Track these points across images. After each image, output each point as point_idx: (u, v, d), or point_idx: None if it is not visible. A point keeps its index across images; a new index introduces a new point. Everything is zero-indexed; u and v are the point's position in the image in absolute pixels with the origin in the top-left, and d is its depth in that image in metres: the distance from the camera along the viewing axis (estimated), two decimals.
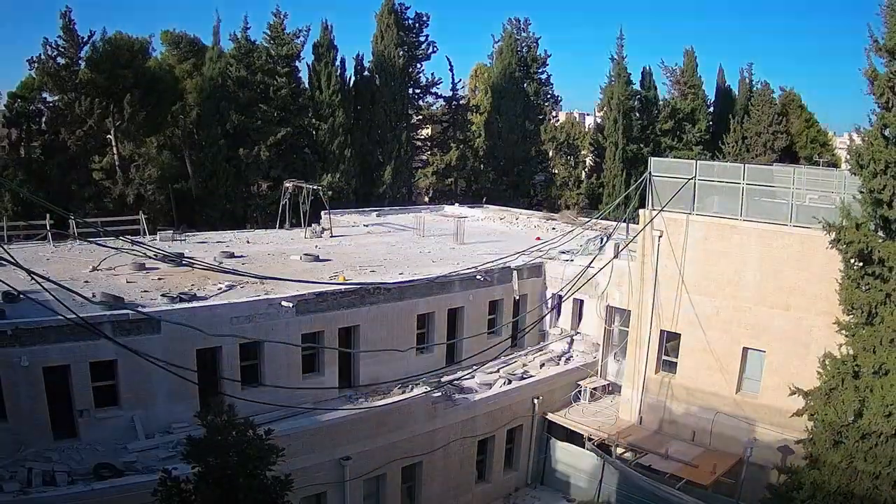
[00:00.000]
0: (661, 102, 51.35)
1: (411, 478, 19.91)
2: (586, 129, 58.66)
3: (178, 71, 37.87)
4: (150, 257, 18.75)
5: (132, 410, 16.08)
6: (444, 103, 48.16)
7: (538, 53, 48.18)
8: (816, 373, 16.30)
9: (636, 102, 49.34)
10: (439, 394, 19.53)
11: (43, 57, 31.86)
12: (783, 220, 19.24)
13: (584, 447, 21.66)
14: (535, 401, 22.43)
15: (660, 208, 21.43)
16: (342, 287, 19.70)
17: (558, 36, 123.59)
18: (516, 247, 25.22)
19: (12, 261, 11.69)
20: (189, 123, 36.37)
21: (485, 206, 40.48)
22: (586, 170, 52.16)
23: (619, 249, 23.22)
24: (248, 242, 26.86)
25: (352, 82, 42.39)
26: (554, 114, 53.59)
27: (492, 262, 23.87)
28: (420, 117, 48.21)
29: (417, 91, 46.03)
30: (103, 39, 33.57)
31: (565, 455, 22.70)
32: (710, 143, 50.48)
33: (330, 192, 36.01)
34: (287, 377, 18.03)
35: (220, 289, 18.78)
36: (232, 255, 23.19)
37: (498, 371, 22.59)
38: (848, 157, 17.19)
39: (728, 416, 19.95)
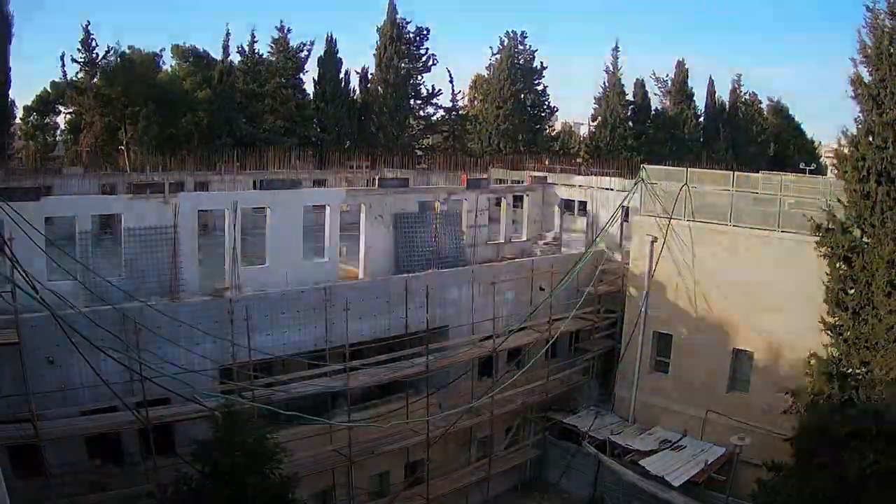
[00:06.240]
0: (653, 112, 52.29)
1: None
2: (581, 138, 59.44)
3: (188, 83, 38.56)
4: None
5: None
6: (444, 113, 49.08)
7: (535, 65, 49.06)
8: (804, 373, 16.88)
9: (629, 112, 50.24)
10: None
11: (61, 71, 32.77)
12: (771, 225, 19.91)
13: (581, 446, 22.15)
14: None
15: (655, 214, 22.10)
16: None
17: (554, 45, 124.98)
18: None
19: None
20: (199, 134, 37.12)
21: None
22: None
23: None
24: None
25: (356, 93, 43.38)
26: (550, 123, 54.39)
27: None
28: (421, 127, 49.19)
29: (418, 102, 47.04)
30: (116, 53, 34.42)
31: (563, 454, 23.19)
32: (701, 152, 51.34)
33: None
34: None
35: None
36: None
37: None
38: (834, 162, 17.87)
39: (719, 415, 20.53)
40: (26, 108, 33.97)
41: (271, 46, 41.22)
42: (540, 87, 49.58)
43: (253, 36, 39.75)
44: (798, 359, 17.66)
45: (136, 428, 15.25)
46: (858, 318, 16.13)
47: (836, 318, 16.58)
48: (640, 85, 51.50)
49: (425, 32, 45.80)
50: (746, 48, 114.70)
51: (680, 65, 53.08)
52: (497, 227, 27.81)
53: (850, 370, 16.10)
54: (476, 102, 54.33)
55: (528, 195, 28.59)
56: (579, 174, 29.06)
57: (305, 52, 41.36)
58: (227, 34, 37.80)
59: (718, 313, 20.93)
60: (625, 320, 23.59)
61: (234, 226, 19.09)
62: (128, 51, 35.37)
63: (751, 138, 54.43)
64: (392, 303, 19.47)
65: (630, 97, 50.45)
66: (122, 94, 33.14)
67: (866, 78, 16.39)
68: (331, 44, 41.73)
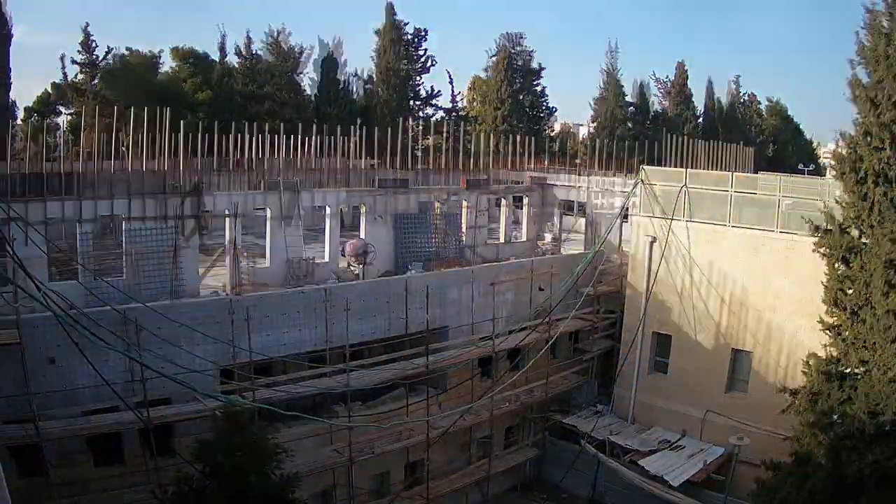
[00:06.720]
0: (652, 113, 52.58)
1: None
2: (580, 139, 59.70)
3: (188, 85, 38.65)
4: None
5: None
6: (444, 114, 49.29)
7: (533, 66, 49.34)
8: (801, 372, 16.92)
9: (628, 113, 50.52)
10: None
11: (61, 73, 33.00)
12: (769, 225, 19.98)
13: (580, 445, 22.20)
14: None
15: (654, 215, 22.17)
16: None
17: (552, 48, 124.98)
18: None
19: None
20: (199, 135, 37.27)
21: None
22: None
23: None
24: None
25: (356, 95, 43.65)
26: (549, 124, 54.65)
27: None
28: (421, 128, 49.37)
29: (418, 103, 47.27)
30: (114, 55, 34.68)
31: (562, 453, 23.23)
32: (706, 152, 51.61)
33: None
34: None
35: None
36: None
37: None
38: (833, 163, 17.92)
39: (718, 415, 20.59)
40: (27, 110, 34.21)
41: (271, 48, 41.47)
42: (539, 88, 49.78)
43: (249, 38, 40.05)
44: (797, 359, 17.72)
45: (136, 428, 15.29)
46: (857, 318, 16.16)
47: (835, 318, 16.60)
48: (639, 86, 51.81)
49: (424, 34, 46.06)
50: (746, 48, 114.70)
51: (680, 66, 53.37)
52: (497, 227, 27.91)
53: (848, 370, 16.13)
54: (475, 103, 54.52)
55: (527, 196, 28.67)
56: (578, 175, 29.15)
57: (305, 54, 41.76)
58: (223, 35, 38.15)
59: (717, 313, 21.00)
60: (624, 320, 23.66)
61: (235, 226, 19.17)
62: (127, 52, 35.66)
63: (750, 139, 54.63)
64: (392, 303, 19.50)
65: (630, 98, 50.70)
66: (121, 96, 33.27)
67: (864, 79, 16.44)
68: (332, 45, 42.05)
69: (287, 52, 41.31)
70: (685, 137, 50.79)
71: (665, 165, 28.05)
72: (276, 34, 41.35)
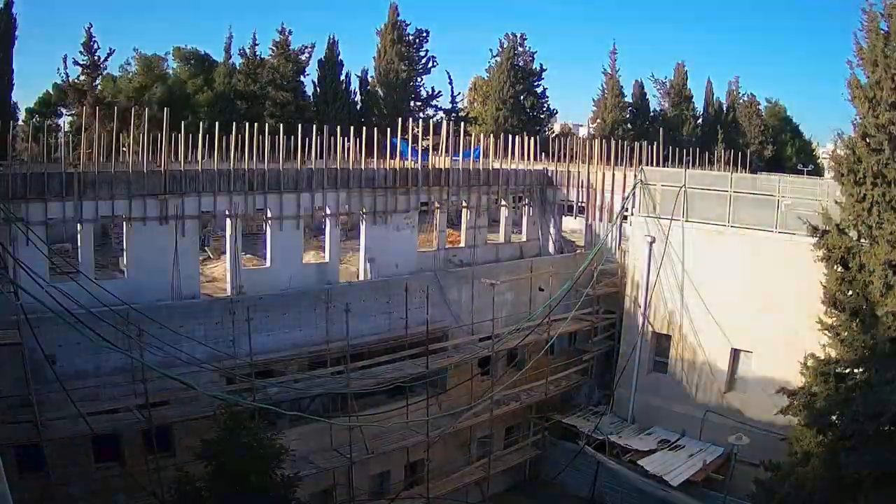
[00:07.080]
0: (652, 114, 52.61)
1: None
2: (580, 139, 59.77)
3: (189, 86, 38.69)
4: None
5: None
6: (444, 115, 49.37)
7: (534, 67, 49.42)
8: (800, 373, 16.96)
9: (628, 114, 50.59)
10: None
11: (62, 73, 33.05)
12: (769, 226, 20.02)
13: (580, 445, 22.22)
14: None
15: (653, 215, 22.22)
16: None
17: (552, 48, 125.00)
18: None
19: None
20: (200, 135, 37.42)
21: None
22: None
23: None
24: None
25: (357, 96, 43.71)
26: (550, 125, 54.70)
27: None
28: (421, 129, 49.52)
29: (418, 103, 47.32)
30: (117, 55, 34.83)
31: (562, 453, 23.27)
32: (700, 153, 51.67)
33: None
34: None
35: None
36: None
37: None
38: (831, 164, 17.96)
39: (717, 415, 20.64)
40: (28, 110, 34.33)
41: (272, 49, 41.53)
42: (540, 89, 49.83)
43: (254, 38, 40.11)
44: (796, 359, 17.73)
45: (137, 428, 15.33)
46: (855, 318, 16.22)
47: (834, 319, 16.65)
48: (638, 87, 51.86)
49: (425, 34, 46.13)
50: (745, 49, 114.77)
51: (679, 67, 53.39)
52: (496, 227, 27.92)
53: (847, 370, 16.18)
54: (476, 104, 54.57)
55: (527, 196, 28.68)
56: (578, 175, 29.15)
57: (306, 55, 41.76)
58: (230, 36, 38.22)
59: (717, 313, 21.03)
60: (624, 321, 23.70)
61: (235, 227, 19.20)
62: (131, 52, 35.79)
63: (749, 140, 54.70)
64: (392, 303, 19.56)
65: (629, 99, 50.77)
66: (121, 96, 33.39)
67: (862, 80, 16.48)
68: (332, 46, 42.01)
69: (293, 54, 41.32)
70: (685, 138, 51.10)
71: (665, 166, 28.01)
72: (287, 33, 41.47)
